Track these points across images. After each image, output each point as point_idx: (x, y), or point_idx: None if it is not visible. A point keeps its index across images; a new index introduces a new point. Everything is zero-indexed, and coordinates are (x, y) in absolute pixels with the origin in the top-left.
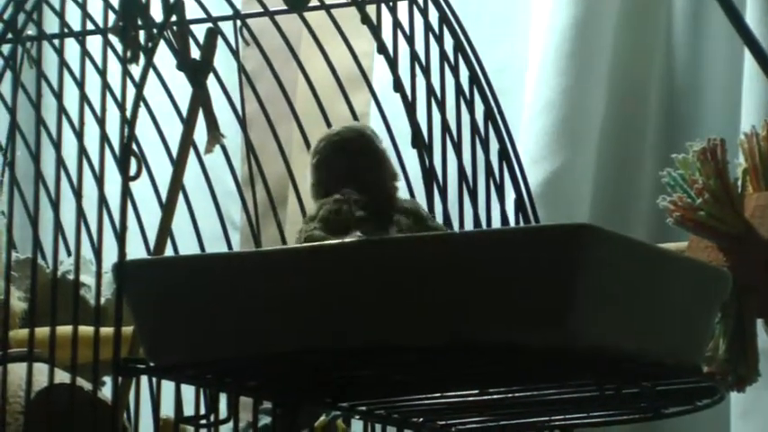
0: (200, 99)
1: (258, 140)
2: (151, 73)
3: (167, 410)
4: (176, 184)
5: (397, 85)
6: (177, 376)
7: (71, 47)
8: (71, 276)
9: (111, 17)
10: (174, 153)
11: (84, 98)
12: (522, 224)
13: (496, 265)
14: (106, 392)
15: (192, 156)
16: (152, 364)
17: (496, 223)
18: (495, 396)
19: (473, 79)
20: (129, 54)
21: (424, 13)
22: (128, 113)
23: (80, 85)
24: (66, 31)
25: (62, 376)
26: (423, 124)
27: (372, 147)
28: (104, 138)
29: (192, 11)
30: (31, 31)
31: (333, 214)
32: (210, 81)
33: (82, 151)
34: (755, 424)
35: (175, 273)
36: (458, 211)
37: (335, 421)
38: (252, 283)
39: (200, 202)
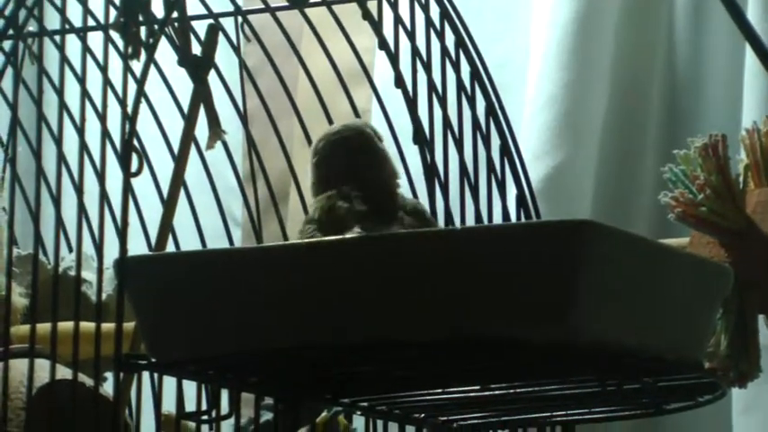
0: (202, 95)
1: (259, 136)
2: (152, 69)
3: (169, 406)
4: (177, 180)
5: (399, 81)
6: (179, 372)
7: (72, 43)
8: (72, 272)
9: (113, 13)
10: (176, 149)
11: (85, 94)
12: (523, 220)
13: (498, 261)
14: (108, 388)
15: (193, 152)
16: (153, 360)
17: (498, 219)
18: (496, 392)
19: (474, 75)
20: (130, 50)
21: (426, 8)
22: (129, 109)
23: (81, 81)
24: (67, 27)
25: (63, 372)
26: (424, 120)
27: (372, 145)
28: (105, 134)
29: (192, 7)
30: (32, 27)
31: (325, 212)
32: (212, 77)
33: (83, 147)
34: (757, 420)
35: (177, 269)
36: (459, 207)
37: (337, 417)
38: (253, 278)
39: (201, 197)
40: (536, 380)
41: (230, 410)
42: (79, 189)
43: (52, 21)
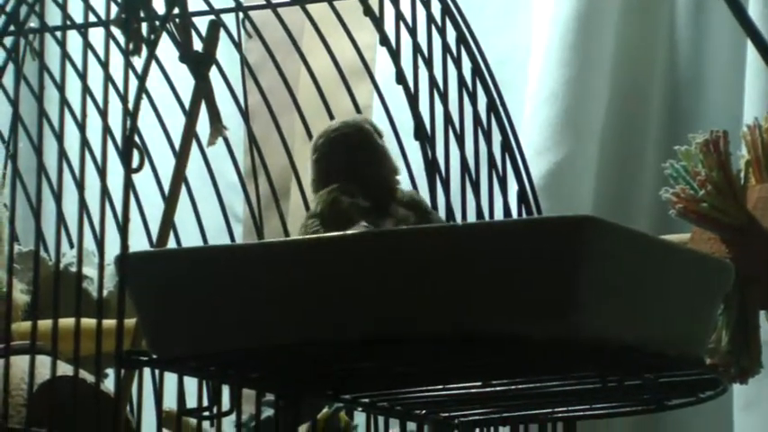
0: (203, 91)
1: (261, 132)
2: (153, 65)
3: (170, 403)
4: (179, 176)
5: (400, 77)
6: (180, 368)
7: (73, 39)
8: (74, 269)
9: (114, 9)
10: (177, 145)
11: (86, 90)
12: (524, 216)
13: (499, 257)
14: (109, 385)
15: (194, 148)
16: (155, 357)
17: (499, 215)
18: (497, 388)
19: (476, 71)
20: (131, 46)
21: (427, 4)
22: (130, 105)
23: (82, 77)
24: (68, 23)
25: (65, 368)
26: (425, 116)
27: (371, 141)
28: (107, 130)
29: (194, 3)
30: (33, 23)
31: (328, 206)
32: (213, 73)
33: (84, 143)
34: (758, 416)
35: (178, 265)
36: (460, 203)
37: (338, 413)
38: (254, 275)
39: (202, 194)
40: (537, 376)
41: (231, 407)
42: (80, 185)
43: (53, 17)
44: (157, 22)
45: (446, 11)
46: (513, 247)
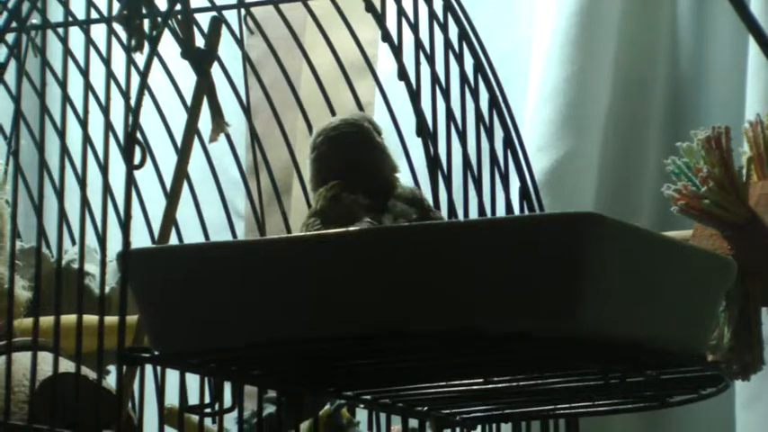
0: (205, 87)
1: (262, 129)
2: (155, 62)
3: (172, 399)
4: (181, 173)
5: (402, 74)
6: (182, 365)
7: (75, 35)
8: (76, 265)
9: (116, 6)
10: (179, 142)
11: (88, 87)
12: (526, 212)
13: (501, 254)
14: (111, 381)
15: (196, 144)
16: (156, 353)
17: (501, 212)
18: (499, 385)
19: (478, 67)
20: (133, 43)
21: (429, 1)
22: (132, 102)
23: (84, 73)
24: (70, 19)
25: (67, 365)
26: (427, 112)
27: (370, 139)
28: (109, 126)
29: None
30: (35, 19)
31: (329, 203)
32: (215, 70)
33: (86, 140)
34: (760, 412)
35: (180, 262)
36: (462, 200)
37: (340, 410)
38: (256, 271)
39: (204, 190)
40: (539, 372)
41: (233, 403)
42: (82, 182)
43: (55, 13)
44: (159, 19)
45: (448, 7)
46: (514, 244)
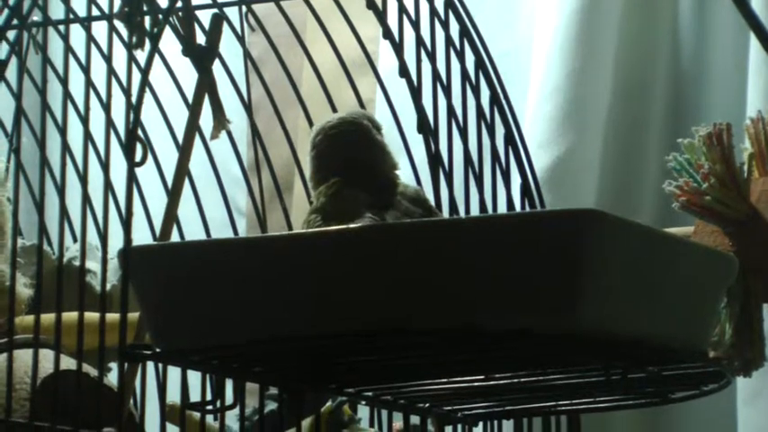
0: (206, 85)
1: (264, 126)
2: (157, 59)
3: (173, 396)
4: (182, 170)
5: (403, 71)
6: (183, 362)
7: (77, 33)
8: (77, 263)
9: (117, 3)
10: (180, 139)
11: (89, 84)
12: (527, 209)
13: (502, 251)
14: (112, 378)
15: (197, 142)
16: (158, 350)
17: (502, 209)
18: (501, 381)
19: (479, 64)
20: (134, 40)
21: None
22: (133, 99)
23: (86, 70)
24: (71, 17)
25: (68, 362)
26: (428, 109)
27: (369, 136)
28: (110, 124)
29: None
30: (36, 16)
31: (330, 199)
32: (216, 67)
33: (87, 137)
34: (761, 409)
35: (181, 259)
36: (464, 197)
37: (342, 407)
38: (257, 268)
39: (205, 187)
40: (541, 369)
41: (235, 400)
42: (83, 179)
43: (56, 10)
44: (160, 16)
45: (449, 4)
46: (515, 241)
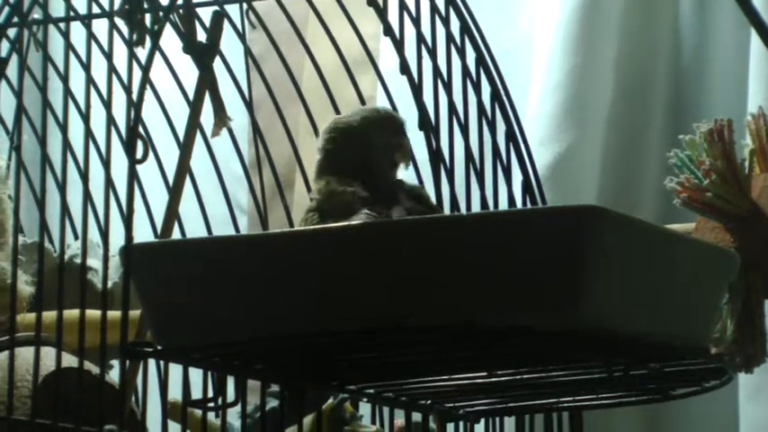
0: (207, 82)
1: (265, 123)
2: (157, 56)
3: (175, 394)
4: (183, 168)
5: (404, 68)
6: (184, 359)
7: (77, 30)
8: (78, 260)
9: (118, 0)
10: (181, 136)
11: (90, 81)
12: (529, 206)
13: (503, 248)
14: (114, 376)
15: (198, 139)
16: (159, 348)
17: (504, 205)
18: (503, 378)
19: (480, 61)
20: (135, 37)
21: None
22: (134, 96)
23: (86, 68)
24: (72, 14)
25: (69, 360)
26: (429, 106)
27: (370, 134)
28: (111, 121)
29: None
30: (37, 14)
31: (326, 197)
32: (217, 64)
33: (88, 134)
34: (763, 405)
35: (183, 256)
36: (465, 194)
37: (343, 404)
38: (259, 266)
39: (206, 185)
40: (542, 366)
41: (236, 398)
42: (85, 176)
43: (57, 8)
44: (161, 13)
45: (450, 1)
46: (517, 238)
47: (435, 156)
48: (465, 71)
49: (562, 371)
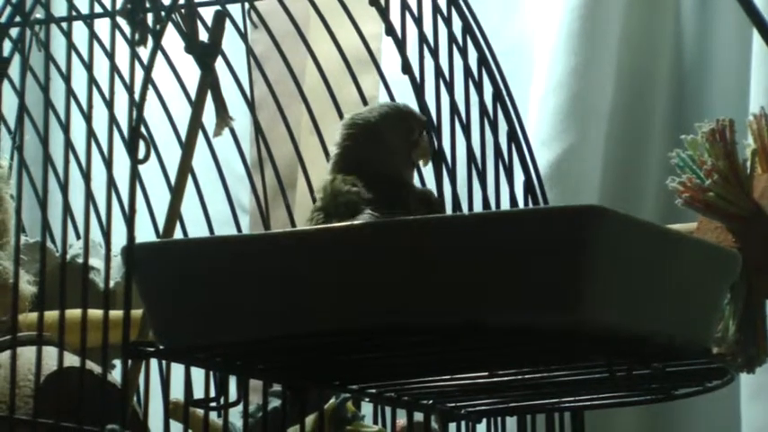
0: (209, 82)
1: (267, 123)
2: (159, 56)
3: (177, 393)
4: (185, 168)
5: (406, 67)
6: (187, 359)
7: (79, 30)
8: (80, 260)
9: (120, 0)
10: (183, 136)
11: (92, 81)
12: (530, 206)
13: (505, 247)
14: (116, 375)
15: (200, 139)
16: (161, 348)
17: (505, 205)
18: (504, 378)
19: (481, 61)
20: (137, 37)
21: None
22: (136, 96)
23: (88, 68)
24: (74, 14)
25: (72, 360)
26: (431, 106)
27: (378, 133)
28: (113, 121)
29: None
30: (39, 14)
31: (332, 195)
32: (219, 64)
33: (90, 134)
34: (766, 405)
35: (185, 256)
36: (467, 193)
37: (345, 404)
38: (261, 265)
39: (209, 184)
40: (544, 366)
41: (238, 397)
42: (86, 176)
43: (59, 8)
44: (163, 13)
45: (452, 0)
46: (519, 237)
47: (437, 155)
48: (467, 71)
49: (564, 371)
